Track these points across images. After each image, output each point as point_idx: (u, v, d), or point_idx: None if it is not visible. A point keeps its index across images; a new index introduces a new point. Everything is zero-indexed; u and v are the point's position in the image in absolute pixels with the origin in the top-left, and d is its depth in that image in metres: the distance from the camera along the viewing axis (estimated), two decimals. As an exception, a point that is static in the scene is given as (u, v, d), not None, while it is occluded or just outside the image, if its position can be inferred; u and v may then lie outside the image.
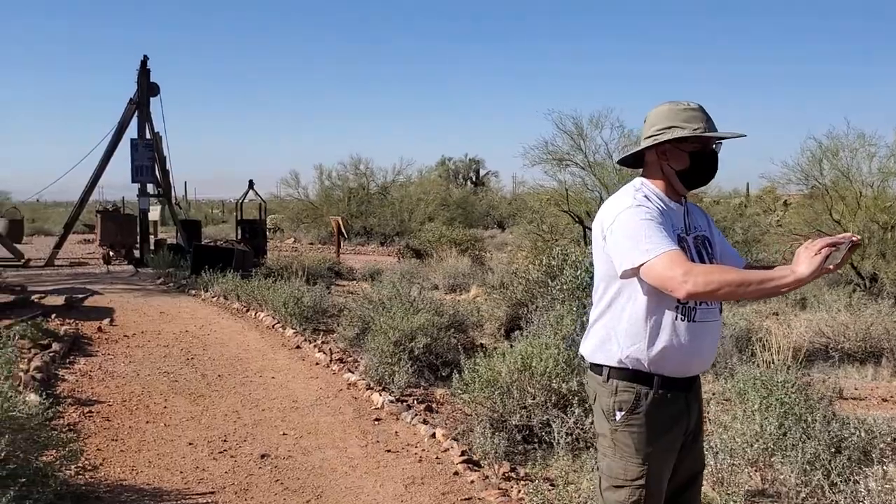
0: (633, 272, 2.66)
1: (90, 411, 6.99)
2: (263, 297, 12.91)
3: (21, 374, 7.65)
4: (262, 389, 8.07)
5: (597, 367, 2.91)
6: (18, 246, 25.75)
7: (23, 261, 21.99)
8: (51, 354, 8.72)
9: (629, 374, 2.81)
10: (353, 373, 8.58)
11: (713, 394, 7.16)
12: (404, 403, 7.31)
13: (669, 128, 2.82)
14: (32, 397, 6.78)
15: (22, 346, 9.22)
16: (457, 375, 6.85)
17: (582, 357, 3.01)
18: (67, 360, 8.92)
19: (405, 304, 9.67)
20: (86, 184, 23.37)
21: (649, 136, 2.88)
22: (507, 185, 53.97)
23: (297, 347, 10.25)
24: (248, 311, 13.14)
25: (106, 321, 11.72)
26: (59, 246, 22.82)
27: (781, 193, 27.35)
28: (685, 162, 2.84)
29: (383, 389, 7.77)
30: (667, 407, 2.80)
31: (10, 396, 4.90)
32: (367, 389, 7.84)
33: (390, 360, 8.21)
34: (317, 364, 9.30)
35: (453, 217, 35.61)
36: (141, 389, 7.87)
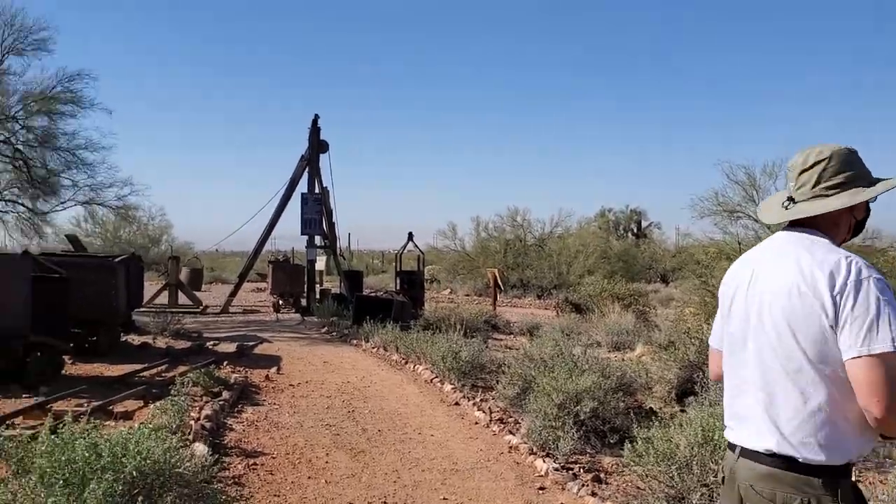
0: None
1: (255, 463, 7.02)
2: (422, 350, 12.85)
3: (192, 422, 7.86)
4: (422, 448, 7.86)
5: (814, 469, 2.29)
6: (198, 293, 27.40)
7: (201, 308, 23.31)
8: (220, 403, 8.94)
9: (848, 474, 2.31)
10: (514, 435, 8.22)
11: None
12: (570, 472, 6.87)
13: (863, 175, 2.45)
14: (200, 448, 6.90)
15: (195, 393, 9.55)
16: (628, 444, 6.35)
17: (773, 455, 2.35)
18: (236, 409, 9.12)
19: (568, 364, 9.24)
20: (260, 235, 24.66)
21: (846, 185, 2.43)
22: (670, 237, 52.20)
23: (456, 404, 10.03)
24: (406, 363, 13.12)
25: (273, 370, 12.02)
26: (233, 294, 24.06)
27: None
28: (864, 212, 2.51)
29: (547, 455, 7.36)
30: None
31: (178, 450, 4.93)
32: (530, 454, 7.46)
33: (554, 424, 7.78)
34: (476, 423, 9.02)
35: (614, 270, 34.67)
36: (304, 442, 7.87)
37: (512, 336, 18.26)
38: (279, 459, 7.23)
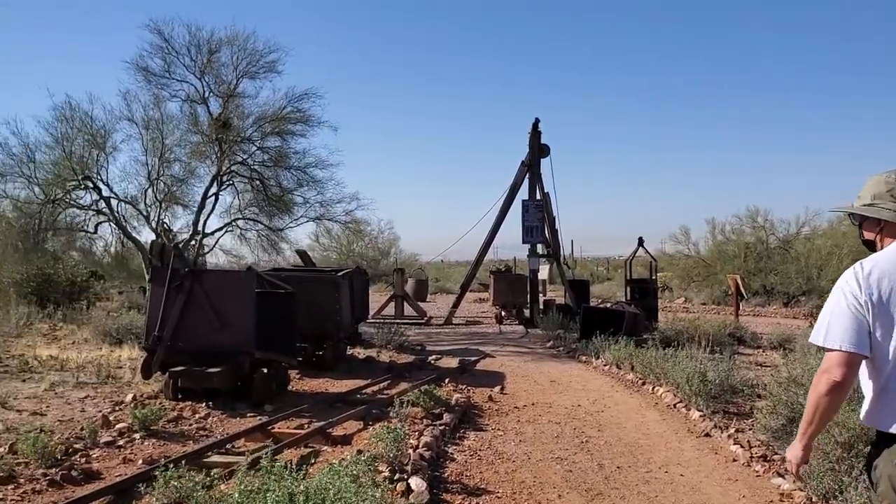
0: None
1: (477, 504, 6.17)
2: (661, 369, 11.48)
3: (410, 451, 7.19)
4: (671, 491, 6.64)
5: None
6: (423, 304, 27.57)
7: (425, 319, 23.27)
8: (441, 428, 8.23)
9: None
10: (783, 478, 6.76)
11: None
12: (868, 536, 5.35)
13: None
14: (417, 483, 6.17)
15: (414, 414, 8.94)
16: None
17: None
18: (457, 435, 8.37)
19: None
20: (481, 244, 24.25)
21: None
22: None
23: (706, 435, 8.64)
24: (644, 383, 11.80)
25: (497, 389, 11.24)
26: (456, 305, 23.82)
27: None
28: None
29: (834, 510, 5.87)
30: None
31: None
32: (810, 507, 6.00)
33: (837, 468, 6.25)
34: (733, 460, 7.61)
35: (873, 274, 30.59)
36: (532, 479, 6.92)
37: (761, 350, 16.28)
38: (504, 500, 6.33)
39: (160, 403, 9.30)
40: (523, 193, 23.46)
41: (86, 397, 9.59)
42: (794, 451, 2.98)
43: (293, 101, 20.72)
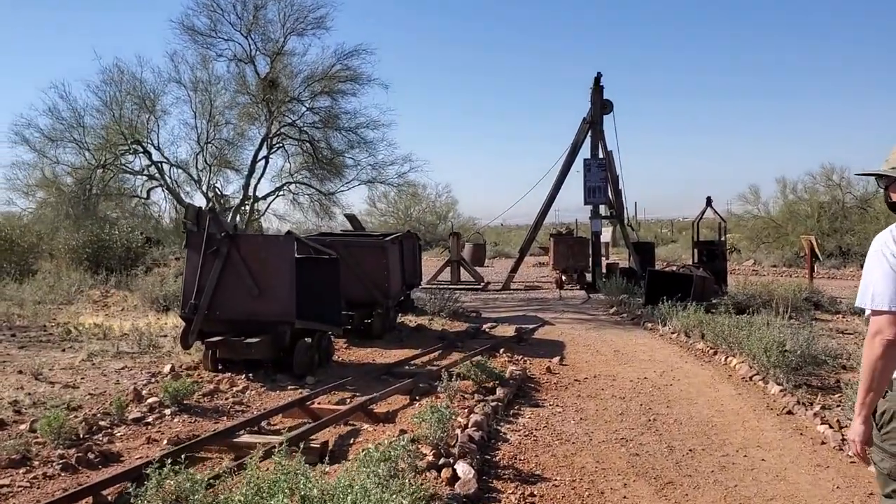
0: None
1: (531, 494, 5.47)
2: (735, 338, 10.57)
3: (458, 431, 6.53)
4: (751, 479, 5.84)
5: None
6: (480, 269, 26.86)
7: (482, 285, 22.57)
8: (493, 404, 7.55)
9: None
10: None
11: None
12: None
13: None
14: (464, 469, 5.52)
15: (465, 388, 8.28)
16: None
17: None
18: (511, 412, 7.67)
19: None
20: (540, 206, 23.34)
21: None
22: None
23: (788, 412, 7.78)
24: (715, 353, 10.92)
25: (556, 359, 10.50)
26: (514, 270, 23.03)
27: None
28: None
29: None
30: None
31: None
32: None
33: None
34: (822, 443, 6.77)
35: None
36: (594, 463, 6.20)
37: (840, 316, 15.15)
38: (563, 489, 5.62)
39: (199, 375, 8.84)
40: (585, 152, 22.46)
41: (123, 368, 9.18)
42: (855, 430, 2.94)
43: (342, 58, 19.97)
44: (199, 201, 20.62)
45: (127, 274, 18.09)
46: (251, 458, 4.04)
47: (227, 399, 7.86)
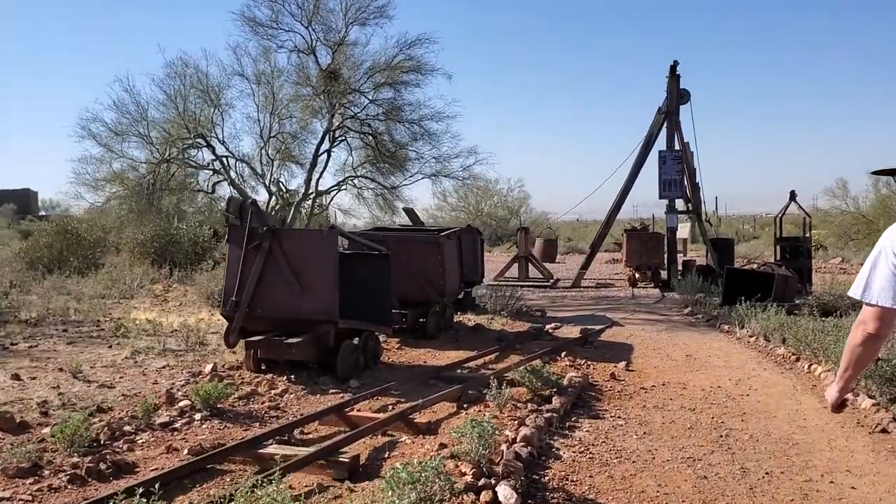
0: None
1: (581, 524, 4.82)
2: (820, 344, 9.62)
3: (504, 446, 5.91)
4: (841, 513, 5.06)
5: None
6: (550, 266, 26.08)
7: (551, 281, 21.82)
8: (546, 416, 6.89)
9: None
10: None
11: None
12: None
13: None
14: (505, 493, 4.91)
15: (518, 396, 7.66)
16: None
17: None
18: (567, 424, 7.00)
19: None
20: (613, 200, 22.42)
21: None
22: None
23: (883, 431, 6.89)
24: (797, 360, 9.98)
25: (621, 365, 9.75)
26: (585, 266, 22.19)
27: None
28: None
29: None
30: None
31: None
32: None
33: None
34: (924, 468, 5.90)
35: None
36: (655, 487, 5.49)
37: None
38: (618, 519, 4.96)
39: (240, 376, 8.45)
40: (660, 144, 21.45)
41: (164, 367, 8.87)
42: (830, 393, 3.18)
43: (405, 47, 19.36)
44: (263, 196, 20.50)
45: (192, 269, 18.01)
46: (239, 491, 3.50)
47: (263, 403, 7.42)
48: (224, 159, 19.67)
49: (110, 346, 9.96)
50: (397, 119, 19.76)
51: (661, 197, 21.45)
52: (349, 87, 18.74)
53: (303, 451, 5.64)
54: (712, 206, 46.76)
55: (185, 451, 5.82)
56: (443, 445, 5.91)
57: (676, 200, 21.54)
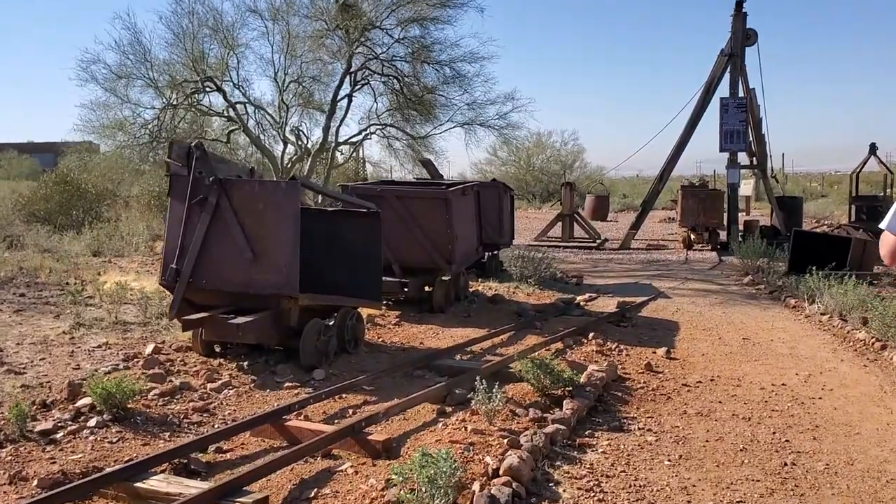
0: None
1: None
2: (915, 330, 7.67)
3: (476, 484, 4.24)
4: None
5: None
6: (600, 225, 24.10)
7: (597, 242, 19.88)
8: (549, 430, 5.15)
9: None
10: None
11: None
12: None
13: None
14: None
15: (521, 396, 5.96)
16: None
17: None
18: (577, 441, 5.25)
19: None
20: (668, 153, 20.27)
21: None
22: None
23: None
24: (883, 348, 8.03)
25: (661, 351, 7.94)
26: (635, 227, 20.16)
27: None
28: None
29: None
30: None
31: None
32: None
33: None
34: None
35: None
36: (685, 559, 3.76)
37: None
38: None
39: (183, 361, 6.91)
40: (722, 91, 19.17)
41: (101, 346, 7.37)
42: None
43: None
44: (278, 147, 18.85)
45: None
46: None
47: (189, 403, 5.82)
48: (238, 105, 18.01)
49: (57, 317, 8.52)
50: (426, 60, 17.77)
51: (721, 149, 19.27)
52: (370, 23, 16.82)
53: (192, 490, 4.06)
54: (778, 161, 43.50)
55: (35, 483, 4.26)
56: (390, 483, 4.24)
57: (739, 154, 19.32)
